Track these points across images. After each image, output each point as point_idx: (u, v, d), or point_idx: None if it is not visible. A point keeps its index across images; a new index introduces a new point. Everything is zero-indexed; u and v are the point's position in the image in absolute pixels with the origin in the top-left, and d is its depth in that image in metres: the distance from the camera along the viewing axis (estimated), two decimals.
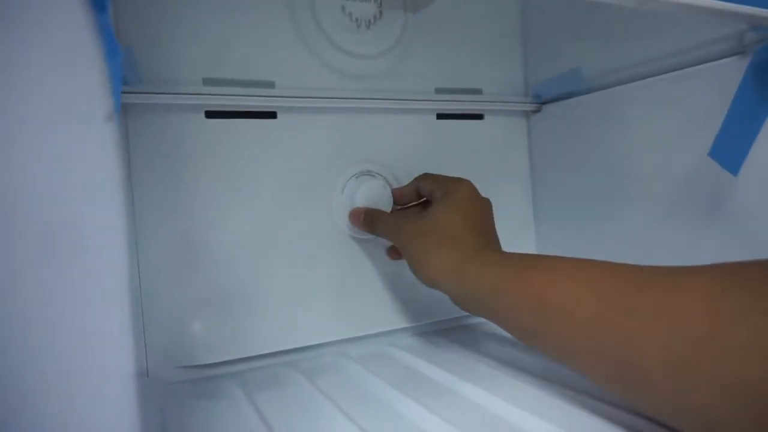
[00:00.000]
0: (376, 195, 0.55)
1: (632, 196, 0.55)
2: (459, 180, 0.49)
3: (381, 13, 0.57)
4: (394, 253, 0.55)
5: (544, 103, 0.66)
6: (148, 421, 0.37)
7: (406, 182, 0.56)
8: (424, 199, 0.53)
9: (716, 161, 0.47)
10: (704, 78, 0.48)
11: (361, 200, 0.54)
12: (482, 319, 0.59)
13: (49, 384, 0.19)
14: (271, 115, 0.52)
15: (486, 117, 0.64)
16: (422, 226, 0.45)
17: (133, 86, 0.45)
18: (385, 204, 0.55)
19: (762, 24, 0.39)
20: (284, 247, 0.52)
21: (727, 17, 0.37)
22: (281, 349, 0.52)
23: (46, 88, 0.20)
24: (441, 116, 0.61)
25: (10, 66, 0.17)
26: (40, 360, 0.18)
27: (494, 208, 0.66)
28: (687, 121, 0.50)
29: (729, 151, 0.46)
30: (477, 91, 0.64)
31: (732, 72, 0.45)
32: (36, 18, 0.19)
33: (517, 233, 0.67)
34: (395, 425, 0.36)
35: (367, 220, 0.52)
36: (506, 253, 0.43)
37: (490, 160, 0.65)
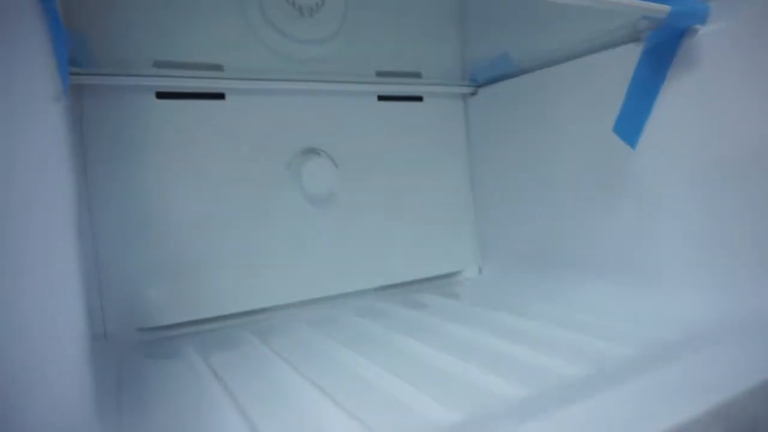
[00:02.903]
0: (320, 171, 0.59)
1: (555, 167, 0.61)
2: None
3: (323, 0, 0.61)
4: None
5: (479, 86, 0.71)
6: (102, 380, 0.40)
7: (348, 161, 0.61)
8: None
9: (618, 136, 0.53)
10: (609, 62, 0.54)
11: (308, 174, 0.58)
12: (422, 286, 0.64)
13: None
14: (220, 96, 0.56)
15: (425, 99, 0.69)
16: None
17: (86, 68, 0.48)
18: (329, 180, 0.59)
19: (649, 13, 0.45)
20: (235, 217, 0.56)
21: (617, 7, 0.43)
22: (234, 311, 0.56)
23: None
24: (382, 98, 0.66)
25: None
26: None
27: (435, 185, 0.72)
28: (597, 100, 0.55)
29: (628, 127, 0.52)
30: (416, 75, 0.68)
31: (631, 57, 0.51)
32: None
33: (456, 207, 0.72)
34: (342, 377, 0.40)
35: None
36: None
37: (430, 139, 0.70)
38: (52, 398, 0.25)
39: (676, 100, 0.49)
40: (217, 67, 0.56)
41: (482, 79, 0.70)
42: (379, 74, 0.65)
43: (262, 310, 0.58)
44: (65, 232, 0.32)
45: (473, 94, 0.72)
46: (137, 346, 0.51)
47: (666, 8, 0.44)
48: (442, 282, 0.70)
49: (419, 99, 0.69)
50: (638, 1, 0.45)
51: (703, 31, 0.46)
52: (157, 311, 0.52)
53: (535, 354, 0.40)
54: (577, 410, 0.27)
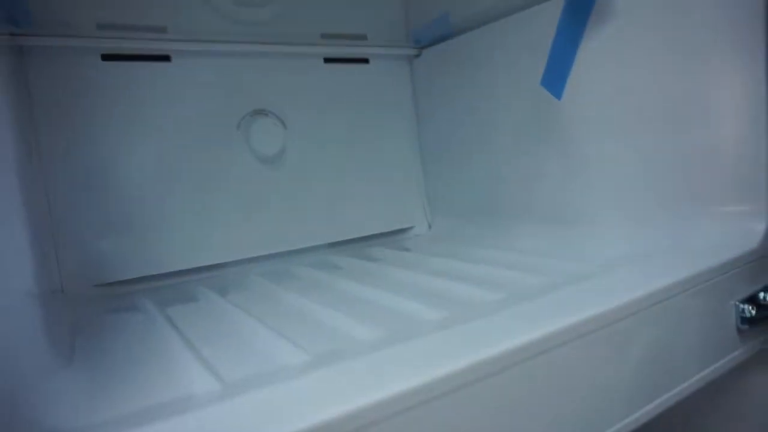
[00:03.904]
0: (269, 131, 0.61)
1: (494, 123, 0.65)
2: None
3: None
4: None
5: (423, 48, 0.74)
6: (57, 331, 0.41)
7: (297, 122, 0.63)
8: None
9: (545, 88, 0.56)
10: (537, 18, 0.57)
11: (257, 134, 0.61)
12: (374, 241, 0.67)
13: None
14: (165, 58, 0.57)
15: (371, 61, 0.72)
16: None
17: (27, 29, 0.49)
18: (278, 140, 0.62)
19: None
20: (188, 177, 0.58)
21: None
22: (189, 266, 0.58)
23: None
24: (328, 60, 0.68)
25: None
26: None
27: (384, 144, 0.75)
28: (528, 55, 0.59)
29: (554, 79, 0.56)
30: (362, 37, 0.71)
31: (556, 12, 0.54)
32: None
33: (404, 165, 0.75)
34: (290, 317, 0.43)
35: None
36: None
37: (377, 100, 0.72)
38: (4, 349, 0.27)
39: (596, 53, 0.52)
40: (161, 29, 0.57)
41: (425, 40, 0.73)
42: (324, 36, 0.68)
43: (218, 266, 0.60)
44: (9, 193, 0.34)
45: (417, 55, 0.74)
46: (94, 300, 0.53)
47: None
48: (393, 237, 0.74)
49: (365, 61, 0.71)
50: None
51: None
52: (113, 267, 0.54)
53: (465, 287, 0.44)
54: (479, 323, 0.31)
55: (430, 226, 0.77)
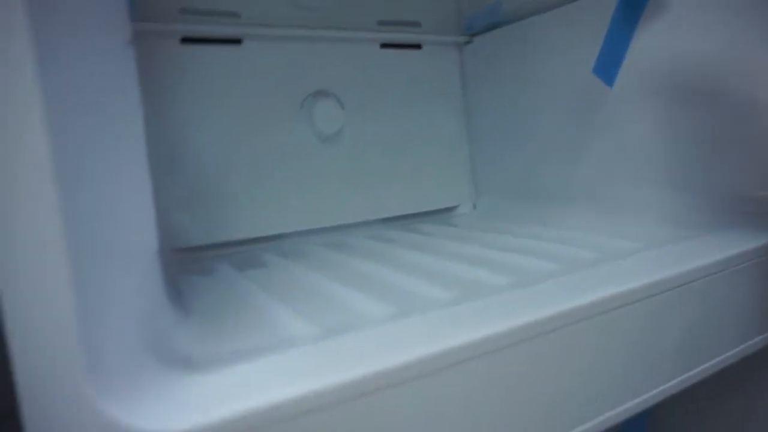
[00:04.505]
0: (329, 111, 0.65)
1: (541, 109, 0.68)
2: None
3: None
4: None
5: (474, 35, 0.77)
6: (169, 290, 0.46)
7: (355, 101, 0.67)
8: None
9: (598, 76, 0.59)
10: (589, 9, 0.59)
11: (318, 113, 0.65)
12: (422, 218, 0.71)
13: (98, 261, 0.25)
14: (237, 41, 0.62)
15: (424, 47, 0.75)
16: None
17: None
18: (337, 119, 0.66)
19: None
20: (253, 151, 0.63)
21: None
22: (255, 235, 0.63)
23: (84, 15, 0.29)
24: (384, 46, 0.71)
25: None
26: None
27: (433, 128, 0.79)
28: (579, 44, 0.61)
29: (606, 67, 0.58)
30: (416, 24, 0.74)
31: (609, 6, 0.57)
32: None
33: (452, 147, 0.79)
34: (359, 278, 0.47)
35: None
36: None
37: (428, 84, 0.76)
38: (138, 292, 0.31)
39: (649, 42, 0.55)
40: (235, 15, 0.61)
41: (477, 28, 0.76)
42: (381, 23, 0.71)
43: (279, 236, 0.65)
44: (138, 156, 0.38)
45: (468, 42, 0.77)
46: (175, 264, 0.58)
47: None
48: (440, 215, 0.78)
49: (418, 47, 0.74)
50: None
51: None
52: (188, 234, 0.60)
53: (519, 258, 0.47)
54: (542, 287, 0.35)
55: (475, 206, 0.80)
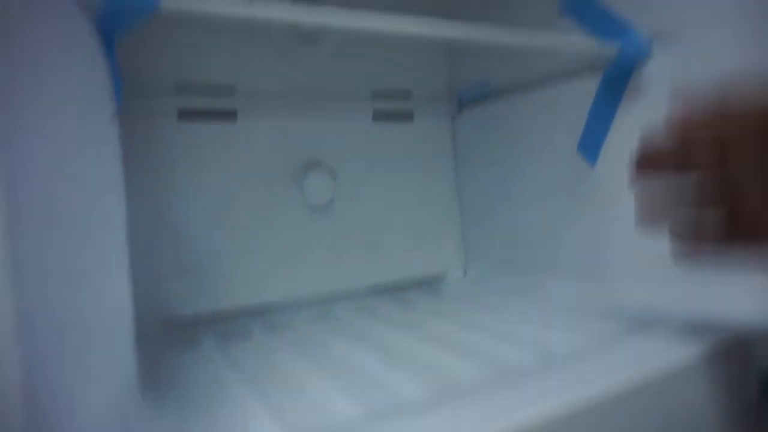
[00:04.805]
0: (321, 182, 0.67)
1: (529, 180, 0.69)
2: None
3: (325, 31, 0.68)
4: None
5: (464, 106, 0.79)
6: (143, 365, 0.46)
7: (346, 171, 0.69)
8: None
9: (581, 155, 0.60)
10: (573, 90, 0.61)
11: (310, 183, 0.66)
12: (411, 284, 0.71)
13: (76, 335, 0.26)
14: (233, 115, 0.64)
15: (415, 117, 0.77)
16: None
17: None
18: (328, 190, 0.67)
19: (601, 52, 0.53)
20: (245, 223, 0.64)
21: (574, 48, 0.51)
22: (242, 305, 0.63)
23: (69, 88, 0.30)
24: (377, 116, 0.73)
25: (41, 73, 0.26)
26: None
27: (424, 196, 0.80)
28: (564, 121, 0.63)
29: (589, 147, 0.59)
30: (407, 94, 0.76)
31: (592, 85, 0.59)
32: (64, 43, 0.29)
33: (443, 215, 0.80)
34: (336, 364, 0.47)
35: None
36: None
37: (419, 152, 0.77)
38: (103, 380, 0.31)
39: (629, 123, 0.56)
40: (231, 88, 0.63)
41: (466, 100, 0.78)
42: (374, 93, 0.73)
43: (269, 305, 0.65)
44: (118, 231, 0.39)
45: (459, 112, 0.79)
46: (161, 334, 0.58)
47: (616, 47, 0.51)
48: (429, 281, 0.78)
49: (410, 117, 0.76)
50: (593, 41, 0.53)
51: (649, 65, 0.53)
52: (176, 305, 0.60)
53: (495, 345, 0.47)
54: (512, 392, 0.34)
55: (465, 273, 0.80)
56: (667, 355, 0.38)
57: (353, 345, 0.49)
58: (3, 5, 0.21)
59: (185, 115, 0.61)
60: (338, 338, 0.52)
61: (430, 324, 0.57)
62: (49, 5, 0.28)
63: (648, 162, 0.36)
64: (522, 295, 0.64)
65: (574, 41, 0.53)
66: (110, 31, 0.32)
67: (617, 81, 0.56)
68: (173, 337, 0.58)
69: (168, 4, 0.32)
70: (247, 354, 0.51)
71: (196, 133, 0.62)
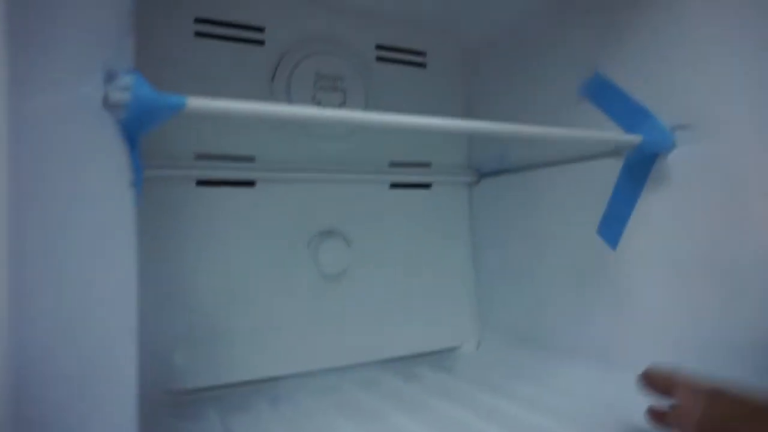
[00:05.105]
0: (335, 251, 0.66)
1: (546, 256, 0.67)
2: None
3: (345, 101, 0.69)
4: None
5: (483, 176, 0.78)
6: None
7: (361, 242, 0.68)
8: None
9: (601, 237, 0.59)
10: (594, 171, 0.61)
11: (324, 253, 0.66)
12: (423, 359, 0.69)
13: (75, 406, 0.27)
14: (251, 183, 0.64)
15: (433, 186, 0.77)
16: None
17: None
18: (343, 260, 0.66)
19: (625, 143, 0.52)
20: (257, 293, 0.63)
21: (600, 138, 0.50)
22: (249, 378, 0.62)
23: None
24: (394, 185, 0.73)
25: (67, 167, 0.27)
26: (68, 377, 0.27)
27: (440, 265, 0.79)
28: (583, 200, 0.62)
29: (610, 230, 0.58)
30: (426, 165, 0.76)
31: (612, 168, 0.58)
32: (89, 141, 0.29)
33: (459, 286, 0.78)
34: None
35: None
36: None
37: (436, 222, 0.77)
38: None
39: (652, 210, 0.55)
40: (251, 159, 0.64)
41: (485, 170, 0.77)
42: (392, 164, 0.73)
43: (275, 378, 0.64)
44: (128, 313, 0.39)
45: (477, 182, 0.79)
46: (164, 405, 0.57)
47: (638, 138, 0.51)
48: (442, 354, 0.76)
49: (428, 186, 0.76)
50: (615, 134, 0.53)
51: (672, 154, 0.53)
52: (181, 377, 0.59)
53: None
54: None
55: (478, 345, 0.78)
56: None
57: (357, 427, 0.48)
58: (35, 111, 0.22)
59: (204, 183, 0.62)
60: (343, 418, 0.51)
61: (440, 406, 0.55)
62: (78, 110, 0.28)
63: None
64: (534, 378, 0.62)
65: (598, 134, 0.53)
66: (135, 131, 0.32)
67: (639, 167, 0.55)
68: (176, 409, 0.56)
69: (193, 104, 0.32)
70: (248, 428, 0.50)
71: (213, 199, 0.62)
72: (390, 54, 0.74)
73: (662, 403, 0.44)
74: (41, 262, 0.24)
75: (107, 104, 0.30)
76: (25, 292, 0.21)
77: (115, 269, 0.35)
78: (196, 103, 0.33)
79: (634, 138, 0.51)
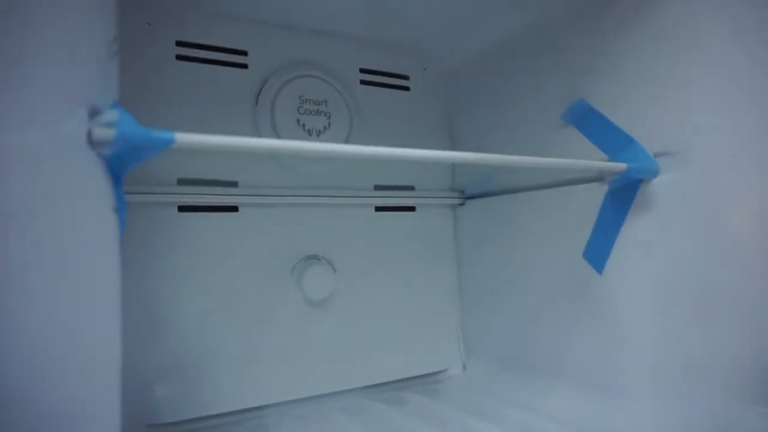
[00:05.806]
0: (320, 277, 0.65)
1: (532, 279, 0.67)
2: None
3: (330, 125, 0.69)
4: None
5: (467, 198, 0.78)
6: None
7: (346, 266, 0.67)
8: None
9: (587, 262, 0.60)
10: (579, 195, 0.61)
11: (308, 280, 0.64)
12: (408, 383, 0.68)
13: None
14: (234, 209, 0.63)
15: (418, 209, 0.76)
16: None
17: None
18: (328, 285, 0.65)
19: (610, 171, 0.53)
20: (239, 321, 0.62)
21: (584, 167, 0.51)
22: (233, 409, 0.60)
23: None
24: (379, 209, 0.73)
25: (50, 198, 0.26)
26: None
27: (425, 287, 0.78)
28: (568, 224, 0.62)
29: (595, 255, 0.59)
30: (410, 188, 0.76)
31: (597, 193, 0.58)
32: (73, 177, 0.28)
33: (444, 309, 0.78)
34: None
35: None
36: None
37: (421, 245, 0.76)
38: None
39: (638, 236, 0.55)
40: (233, 184, 0.63)
41: (470, 192, 0.78)
42: (377, 188, 0.73)
43: (258, 408, 0.62)
44: (111, 348, 0.37)
45: (461, 204, 0.79)
46: None
47: (623, 166, 0.52)
48: (428, 378, 0.75)
49: (412, 209, 0.76)
50: (600, 163, 0.54)
51: (656, 180, 0.53)
52: (164, 410, 0.57)
53: None
54: None
55: (464, 368, 0.78)
56: None
57: None
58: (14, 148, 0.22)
59: (186, 208, 0.60)
60: None
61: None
62: (61, 146, 0.27)
63: None
64: (520, 402, 0.62)
65: (584, 163, 0.53)
66: (119, 169, 0.31)
67: (624, 193, 0.56)
68: None
69: (181, 140, 0.31)
70: None
71: (195, 225, 0.61)
72: (374, 77, 0.74)
73: None
74: (20, 294, 0.23)
75: (91, 141, 0.29)
76: (4, 322, 0.21)
77: (97, 298, 0.34)
78: (185, 138, 0.32)
79: (619, 166, 0.52)
